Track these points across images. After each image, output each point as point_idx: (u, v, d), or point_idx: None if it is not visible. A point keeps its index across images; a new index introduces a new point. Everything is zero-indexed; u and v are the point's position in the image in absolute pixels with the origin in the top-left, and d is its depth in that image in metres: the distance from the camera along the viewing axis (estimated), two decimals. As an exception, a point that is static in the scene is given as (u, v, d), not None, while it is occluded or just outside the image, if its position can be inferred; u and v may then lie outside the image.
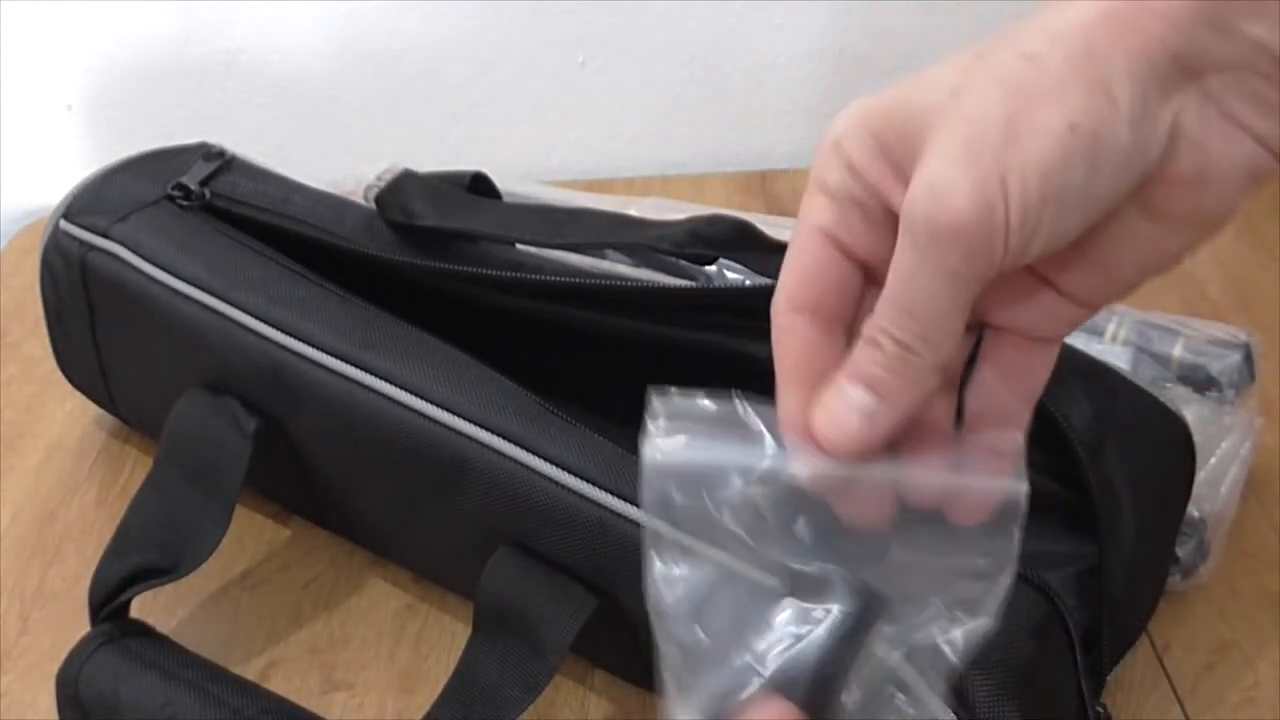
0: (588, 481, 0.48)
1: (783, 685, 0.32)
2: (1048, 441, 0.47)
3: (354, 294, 0.57)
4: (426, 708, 0.48)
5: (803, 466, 0.32)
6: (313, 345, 0.54)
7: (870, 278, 0.33)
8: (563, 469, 0.49)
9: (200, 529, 0.54)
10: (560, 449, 0.49)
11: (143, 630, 0.52)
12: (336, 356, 0.54)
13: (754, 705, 0.32)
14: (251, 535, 0.62)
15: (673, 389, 0.33)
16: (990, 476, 0.32)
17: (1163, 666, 0.54)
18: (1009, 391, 0.33)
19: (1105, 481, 0.46)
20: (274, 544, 0.62)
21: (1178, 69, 0.28)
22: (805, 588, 0.32)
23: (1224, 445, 0.57)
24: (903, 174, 0.30)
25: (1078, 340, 0.60)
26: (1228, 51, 0.28)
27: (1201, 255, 0.78)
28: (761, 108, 0.93)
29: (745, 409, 0.32)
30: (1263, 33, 0.28)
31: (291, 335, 0.55)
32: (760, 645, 0.32)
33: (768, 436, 0.32)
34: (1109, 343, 0.62)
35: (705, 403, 0.33)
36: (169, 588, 0.54)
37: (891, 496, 0.32)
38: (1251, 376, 0.61)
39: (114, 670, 0.49)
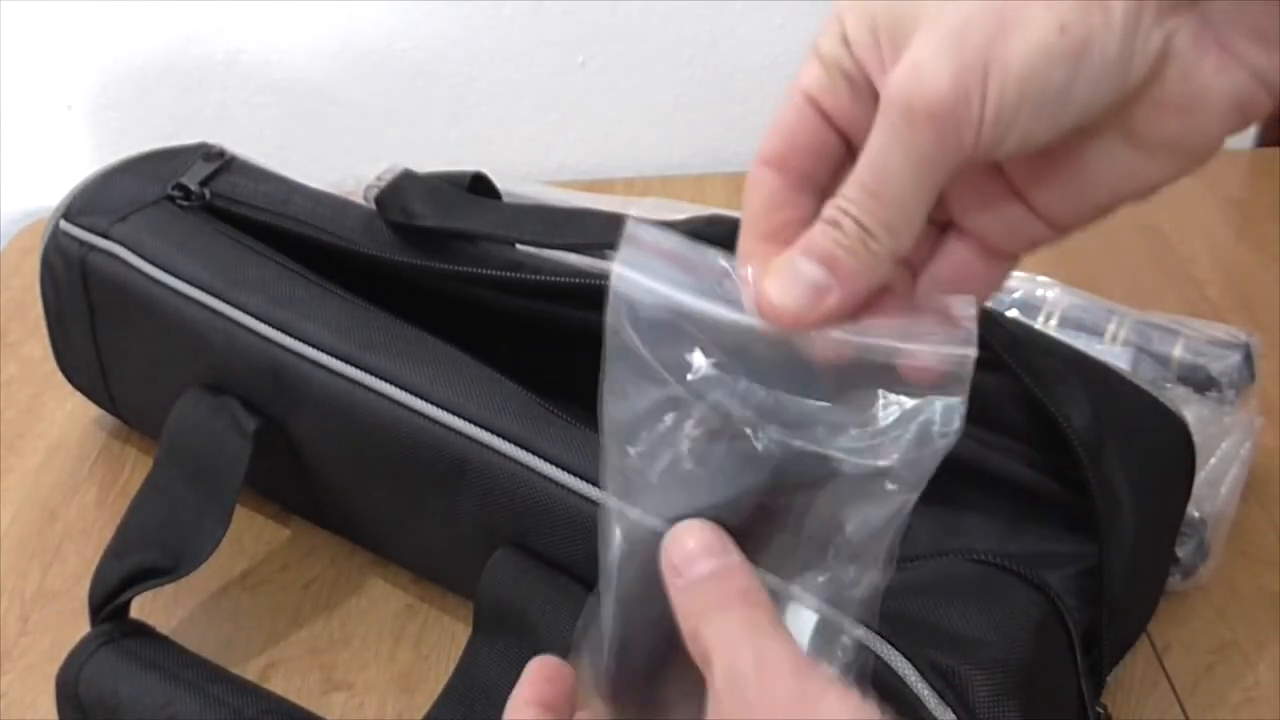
0: (588, 481, 0.48)
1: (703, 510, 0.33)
2: (1048, 441, 0.47)
3: (354, 294, 0.57)
4: (426, 708, 0.49)
5: (753, 319, 0.32)
6: (313, 345, 0.54)
7: (850, 151, 0.33)
8: (562, 469, 0.49)
9: (200, 529, 0.54)
10: (560, 449, 0.49)
11: (143, 630, 0.52)
12: (336, 357, 0.54)
13: (681, 528, 0.33)
14: (251, 535, 0.62)
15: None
16: (942, 342, 0.32)
17: (1163, 666, 0.54)
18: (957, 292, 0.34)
19: (1105, 481, 0.46)
20: (274, 544, 0.62)
21: None
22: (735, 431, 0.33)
23: (1224, 445, 0.57)
24: (891, 58, 0.30)
25: (1078, 340, 0.60)
26: None
27: (1201, 255, 0.79)
28: (761, 108, 0.93)
29: (713, 257, 0.33)
30: None
31: (291, 335, 0.55)
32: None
33: (726, 283, 0.33)
34: (1109, 343, 0.62)
35: (676, 242, 0.34)
36: (169, 588, 0.54)
37: (842, 348, 0.33)
38: (1251, 377, 0.61)
39: (114, 670, 0.49)
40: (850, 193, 0.31)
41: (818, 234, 0.31)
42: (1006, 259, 0.34)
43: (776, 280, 0.31)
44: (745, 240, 0.33)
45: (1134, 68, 0.29)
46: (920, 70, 0.29)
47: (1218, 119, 0.30)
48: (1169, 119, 0.30)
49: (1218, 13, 0.29)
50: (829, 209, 0.31)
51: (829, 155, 0.33)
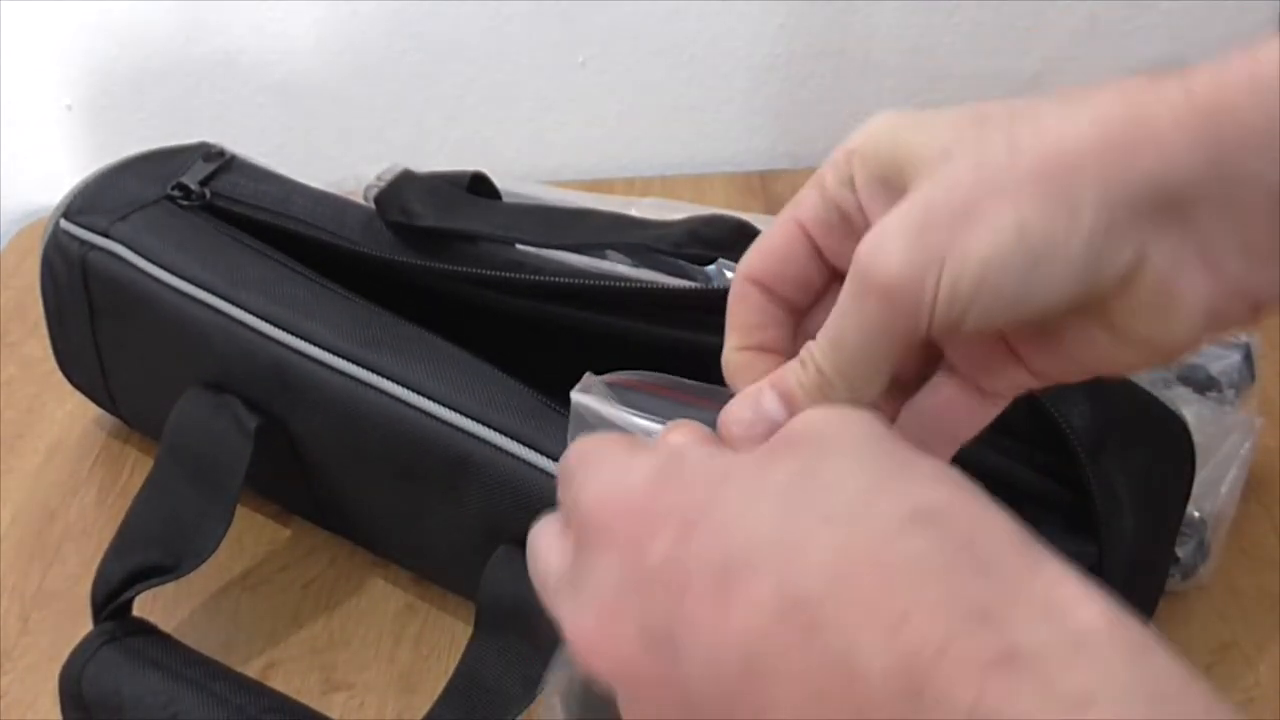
0: (589, 480, 0.48)
1: None
2: (1048, 441, 0.47)
3: (354, 294, 0.57)
4: (426, 708, 0.49)
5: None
6: (314, 343, 0.54)
7: (836, 280, 0.33)
8: (565, 466, 0.49)
9: (202, 528, 0.54)
10: (562, 445, 0.49)
11: (146, 629, 0.52)
12: (338, 354, 0.54)
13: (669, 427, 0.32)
14: (251, 535, 0.62)
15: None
16: None
17: (1163, 666, 0.54)
18: (939, 428, 0.34)
19: (1105, 482, 0.46)
20: (274, 544, 0.62)
21: (1158, 201, 0.28)
22: None
23: (1224, 445, 0.57)
24: (889, 208, 0.31)
25: (1078, 340, 0.60)
26: (1222, 188, 0.28)
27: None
28: (762, 108, 0.93)
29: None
30: (1265, 168, 0.28)
31: (292, 333, 0.55)
32: None
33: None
34: (1109, 343, 0.62)
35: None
36: (169, 589, 0.54)
37: None
38: (1251, 377, 0.61)
39: (117, 669, 0.50)
40: (818, 339, 0.31)
41: (788, 371, 0.32)
42: (994, 400, 0.34)
43: (739, 406, 0.32)
44: (731, 352, 0.34)
45: (1103, 272, 0.29)
46: (880, 244, 0.29)
47: (1189, 327, 0.30)
48: (1141, 320, 0.30)
49: (1207, 223, 0.29)
50: (804, 348, 0.32)
51: (813, 285, 0.34)
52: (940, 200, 0.29)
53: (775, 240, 0.34)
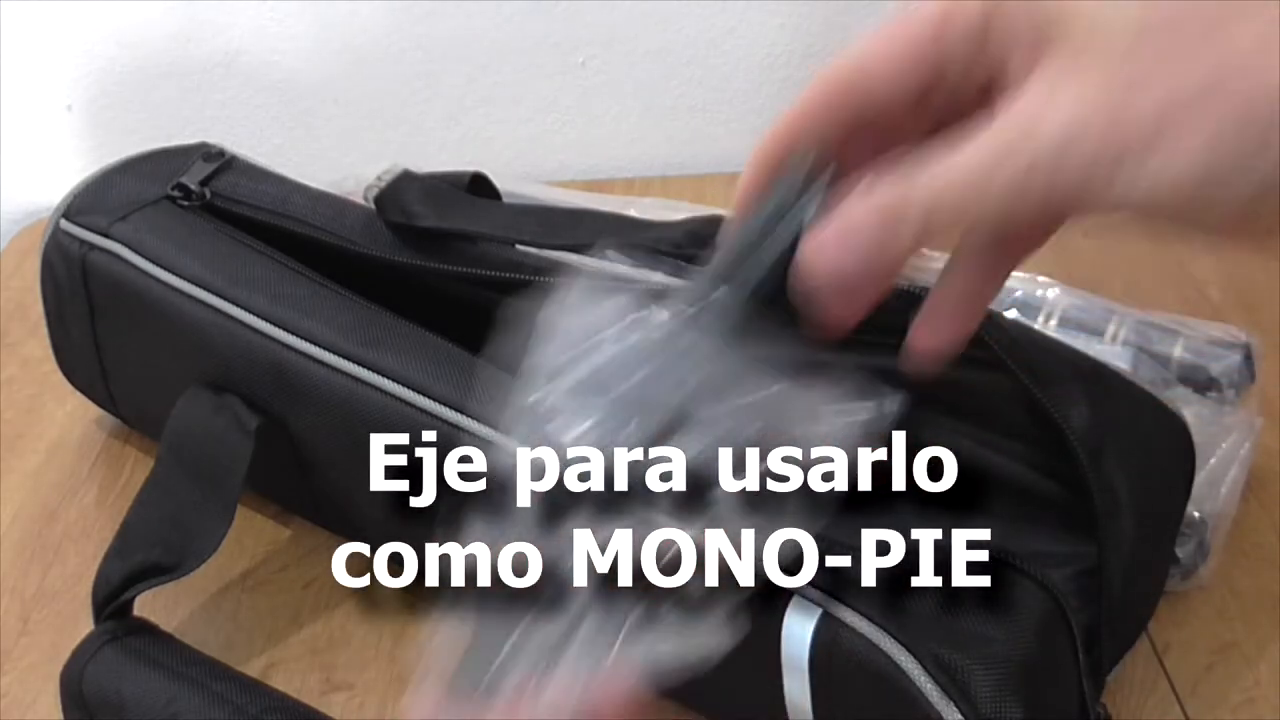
0: (590, 479, 0.48)
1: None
2: (1047, 441, 0.47)
3: (354, 294, 0.57)
4: (427, 707, 0.49)
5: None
6: (314, 343, 0.54)
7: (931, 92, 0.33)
8: (565, 467, 0.49)
9: (203, 527, 0.54)
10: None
11: (146, 628, 0.52)
12: (338, 354, 0.54)
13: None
14: (251, 535, 0.62)
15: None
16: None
17: (1163, 666, 0.54)
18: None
19: (1105, 482, 0.46)
20: (274, 544, 0.62)
21: None
22: None
23: (1224, 445, 0.57)
24: (1033, 54, 0.29)
25: (1078, 340, 0.60)
26: None
27: (1201, 255, 0.78)
28: (761, 108, 0.93)
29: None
30: None
31: (293, 333, 0.55)
32: None
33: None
34: (1109, 343, 0.62)
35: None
36: (168, 589, 0.54)
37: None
38: (1252, 377, 0.61)
39: (118, 668, 0.50)
40: (931, 179, 0.30)
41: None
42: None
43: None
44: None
45: (1260, 208, 0.27)
46: (1070, 137, 0.28)
47: None
48: None
49: None
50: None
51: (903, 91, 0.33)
52: (1137, 102, 0.27)
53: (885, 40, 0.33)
